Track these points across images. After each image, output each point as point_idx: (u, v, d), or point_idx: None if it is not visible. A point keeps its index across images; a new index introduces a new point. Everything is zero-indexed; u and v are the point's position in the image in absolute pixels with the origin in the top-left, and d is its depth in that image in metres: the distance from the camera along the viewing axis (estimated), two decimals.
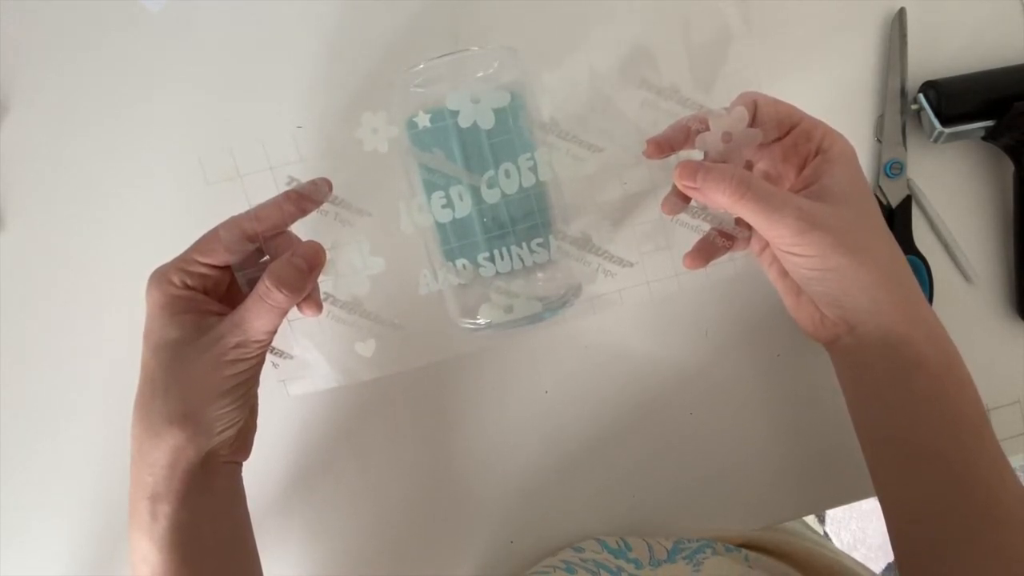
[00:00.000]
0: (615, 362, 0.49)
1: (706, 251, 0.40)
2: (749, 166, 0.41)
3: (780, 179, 0.40)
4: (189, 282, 0.37)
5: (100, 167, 0.47)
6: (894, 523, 0.38)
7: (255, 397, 0.39)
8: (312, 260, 0.37)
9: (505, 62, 0.39)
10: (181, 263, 0.37)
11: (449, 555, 0.48)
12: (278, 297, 0.36)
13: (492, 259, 0.38)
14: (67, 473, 0.47)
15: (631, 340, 0.49)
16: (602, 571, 0.43)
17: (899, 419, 0.37)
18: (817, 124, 0.38)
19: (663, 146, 0.38)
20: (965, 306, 0.49)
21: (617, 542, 0.46)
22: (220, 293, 0.39)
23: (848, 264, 0.35)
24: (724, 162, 0.37)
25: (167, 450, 0.36)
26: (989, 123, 0.46)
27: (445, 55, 0.38)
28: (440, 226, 0.39)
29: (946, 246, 0.49)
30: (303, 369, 0.42)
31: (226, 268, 0.38)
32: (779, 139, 0.39)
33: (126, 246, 0.47)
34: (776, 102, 0.38)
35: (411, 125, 0.38)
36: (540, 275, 0.40)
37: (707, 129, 0.37)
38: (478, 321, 0.40)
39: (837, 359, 0.40)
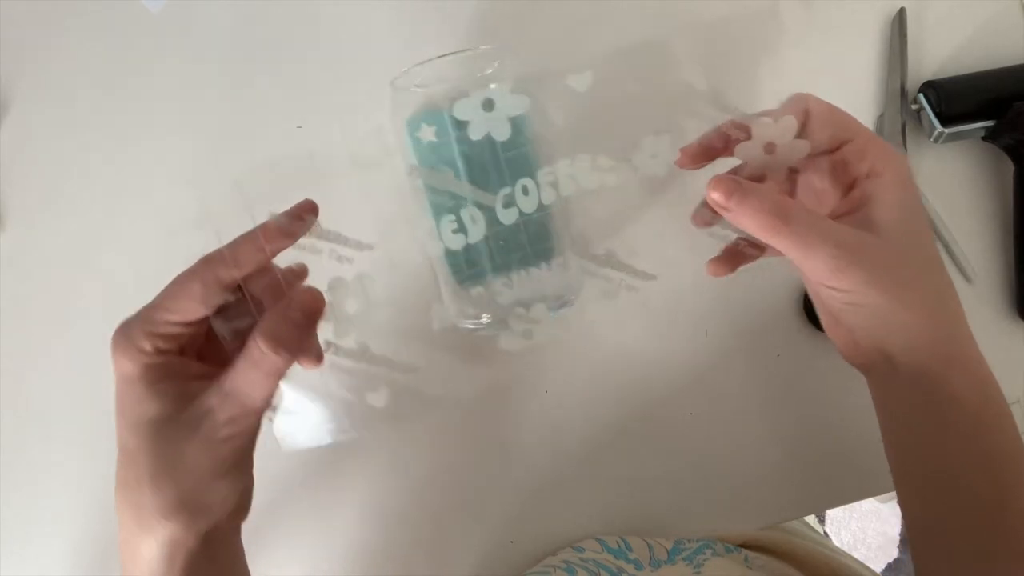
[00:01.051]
0: (615, 362, 0.49)
1: (733, 259, 0.37)
2: (792, 175, 0.37)
3: (823, 195, 0.36)
4: (162, 345, 0.32)
5: (100, 167, 0.47)
6: (921, 556, 0.36)
7: (252, 455, 0.35)
8: (311, 311, 0.31)
9: (506, 62, 0.39)
10: (148, 325, 0.31)
11: (449, 555, 0.48)
12: (274, 361, 0.31)
13: (510, 284, 0.36)
14: (67, 474, 0.47)
15: (631, 340, 0.49)
16: (602, 571, 0.43)
17: (931, 453, 0.35)
18: (872, 142, 0.34)
19: (697, 156, 0.35)
20: (965, 306, 0.49)
21: (617, 542, 0.46)
22: (198, 347, 0.34)
23: (885, 303, 0.32)
24: (763, 175, 0.34)
25: (163, 544, 0.32)
26: (989, 123, 0.47)
27: (445, 55, 0.38)
28: (450, 252, 0.36)
29: (946, 246, 0.49)
30: (303, 423, 0.37)
31: (203, 319, 0.33)
32: (829, 151, 0.35)
33: (126, 246, 0.47)
34: (831, 110, 0.34)
35: (414, 140, 0.36)
36: (540, 275, 0.40)
37: (748, 138, 0.34)
38: (480, 321, 0.39)
39: (871, 384, 0.38)
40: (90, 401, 0.47)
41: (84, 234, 0.47)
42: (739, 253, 0.38)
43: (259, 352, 0.31)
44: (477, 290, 0.37)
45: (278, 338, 0.31)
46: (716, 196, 0.32)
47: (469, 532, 0.48)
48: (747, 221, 0.32)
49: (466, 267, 0.39)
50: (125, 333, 0.32)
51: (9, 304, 0.47)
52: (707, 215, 0.36)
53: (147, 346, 0.31)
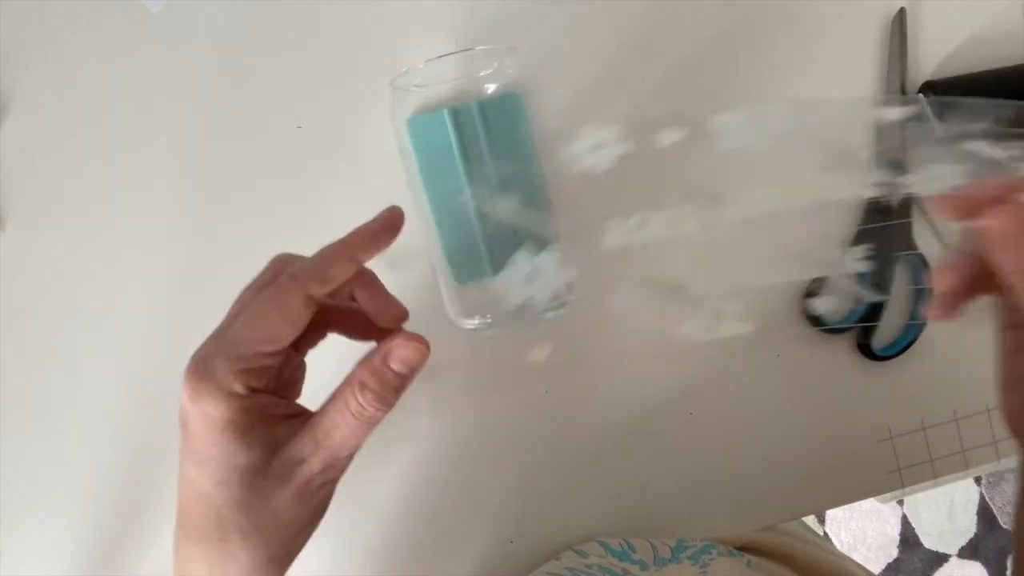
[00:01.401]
0: (615, 362, 0.49)
1: (960, 297, 0.33)
2: None
3: None
4: (254, 383, 0.28)
5: (100, 167, 0.47)
6: None
7: None
8: (414, 366, 0.30)
9: (505, 62, 0.39)
10: (238, 361, 0.28)
11: (449, 555, 0.48)
12: (372, 414, 0.29)
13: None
14: (67, 474, 0.47)
15: (631, 340, 0.49)
16: None
17: None
18: None
19: (961, 208, 0.31)
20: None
21: (620, 544, 0.46)
22: (275, 380, 0.31)
23: None
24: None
25: None
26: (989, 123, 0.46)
27: (445, 55, 0.38)
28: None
29: (946, 246, 0.49)
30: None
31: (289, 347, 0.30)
32: None
33: (127, 247, 0.47)
34: None
35: (415, 140, 0.36)
36: (540, 275, 0.40)
37: None
38: (486, 319, 0.39)
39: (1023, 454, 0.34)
40: (91, 401, 0.47)
41: (84, 234, 0.47)
42: (963, 292, 0.33)
43: (357, 404, 0.29)
44: (476, 290, 0.37)
45: (379, 394, 0.29)
46: (1004, 225, 0.29)
47: (469, 532, 0.48)
48: (1012, 257, 0.29)
49: (465, 267, 0.39)
50: (207, 372, 0.27)
51: (9, 304, 0.47)
52: (953, 305, 0.33)
53: (238, 387, 0.28)
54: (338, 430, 0.29)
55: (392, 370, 0.29)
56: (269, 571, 0.29)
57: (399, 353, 0.29)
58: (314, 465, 0.29)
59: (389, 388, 0.29)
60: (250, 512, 0.28)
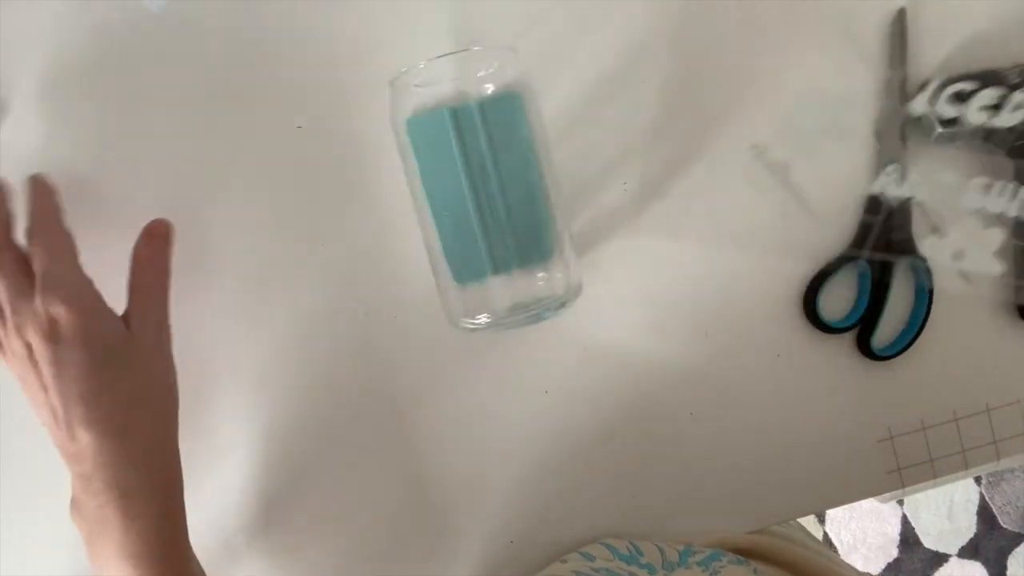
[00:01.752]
0: (615, 362, 0.49)
1: None
2: None
3: None
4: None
5: (99, 167, 0.47)
6: None
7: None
8: (162, 230, 0.44)
9: (505, 62, 0.39)
10: (84, 278, 0.41)
11: (448, 555, 0.48)
12: (158, 259, 0.43)
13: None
14: (68, 474, 0.47)
15: (631, 340, 0.49)
16: None
17: None
18: None
19: None
20: (965, 306, 0.49)
21: (627, 547, 0.46)
22: None
23: None
24: None
25: (170, 418, 0.42)
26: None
27: (445, 55, 0.38)
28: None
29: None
30: None
31: None
32: None
33: (125, 246, 0.47)
34: None
35: (414, 139, 0.37)
36: (540, 275, 0.40)
37: None
38: (479, 321, 0.40)
39: None
40: None
41: (84, 234, 0.47)
42: None
43: (144, 265, 0.43)
44: (476, 290, 0.37)
45: (151, 254, 0.43)
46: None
47: (469, 532, 0.48)
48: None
49: (465, 267, 0.38)
50: (71, 284, 0.40)
51: None
52: None
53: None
54: (145, 285, 0.42)
55: (152, 235, 0.44)
56: (171, 393, 0.43)
57: (151, 229, 0.44)
58: (151, 316, 0.42)
59: (157, 243, 0.44)
60: (140, 365, 0.40)
